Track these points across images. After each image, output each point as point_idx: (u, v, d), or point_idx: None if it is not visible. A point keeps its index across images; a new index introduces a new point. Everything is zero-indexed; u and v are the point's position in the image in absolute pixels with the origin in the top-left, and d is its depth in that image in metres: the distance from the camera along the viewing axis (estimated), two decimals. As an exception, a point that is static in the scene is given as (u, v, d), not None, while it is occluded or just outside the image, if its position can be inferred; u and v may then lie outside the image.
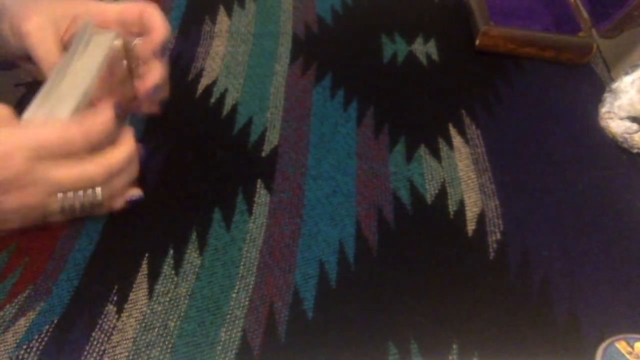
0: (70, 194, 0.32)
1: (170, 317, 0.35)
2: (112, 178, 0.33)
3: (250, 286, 0.37)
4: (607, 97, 0.48)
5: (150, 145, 0.45)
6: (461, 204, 0.42)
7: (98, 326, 0.35)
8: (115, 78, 0.37)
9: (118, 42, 0.36)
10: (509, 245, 0.39)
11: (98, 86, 0.34)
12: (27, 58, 0.36)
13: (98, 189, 0.33)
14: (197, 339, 0.34)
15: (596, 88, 0.52)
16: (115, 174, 0.33)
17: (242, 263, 0.38)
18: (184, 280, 0.37)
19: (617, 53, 0.61)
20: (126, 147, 0.34)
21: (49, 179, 0.31)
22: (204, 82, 0.51)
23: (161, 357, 0.33)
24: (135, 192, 0.37)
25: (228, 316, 0.35)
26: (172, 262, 0.38)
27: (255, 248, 0.39)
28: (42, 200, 0.31)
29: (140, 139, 0.46)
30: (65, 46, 0.36)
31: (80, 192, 0.33)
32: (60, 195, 0.32)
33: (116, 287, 0.36)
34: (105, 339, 0.34)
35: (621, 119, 0.47)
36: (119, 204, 0.37)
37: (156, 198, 0.42)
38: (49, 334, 0.34)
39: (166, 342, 0.34)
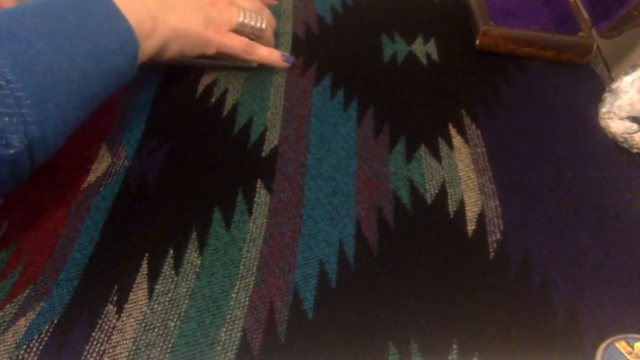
0: (247, 12, 0.49)
1: (170, 317, 0.35)
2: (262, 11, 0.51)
3: (250, 286, 0.37)
4: (607, 97, 0.48)
5: (151, 145, 0.45)
6: (461, 204, 0.42)
7: (98, 326, 0.35)
8: None
9: None
10: (509, 245, 0.39)
11: None
12: None
13: (262, 17, 0.50)
14: (197, 339, 0.34)
15: (596, 88, 0.52)
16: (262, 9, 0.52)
17: (242, 263, 0.38)
18: (184, 280, 0.37)
19: (617, 53, 0.61)
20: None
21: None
22: (204, 82, 0.51)
23: (161, 357, 0.33)
24: (289, 55, 0.52)
25: (228, 316, 0.35)
26: (172, 262, 0.38)
27: (255, 248, 0.39)
28: (228, 2, 0.48)
29: (140, 139, 0.46)
30: None
31: (253, 14, 0.49)
32: (240, 8, 0.49)
33: (116, 287, 0.36)
34: (105, 339, 0.34)
35: (621, 119, 0.47)
36: (275, 55, 0.51)
37: (156, 198, 0.42)
38: (49, 334, 0.34)
39: (166, 342, 0.34)
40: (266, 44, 0.51)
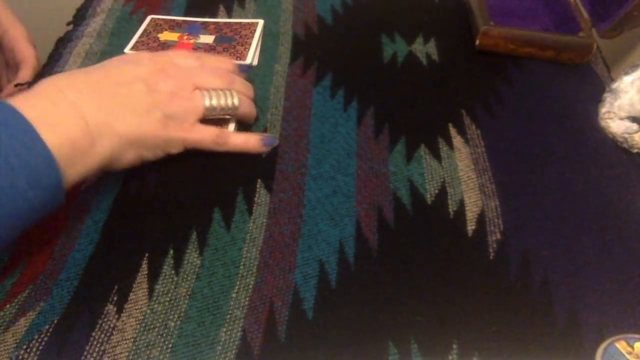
0: (214, 93, 0.42)
1: (170, 317, 0.35)
2: (233, 83, 0.44)
3: (250, 286, 0.37)
4: (607, 97, 0.48)
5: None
6: (461, 204, 0.42)
7: (98, 326, 0.35)
8: None
9: None
10: (509, 245, 0.39)
11: None
12: None
13: (232, 92, 0.43)
14: (197, 339, 0.34)
15: (596, 88, 0.52)
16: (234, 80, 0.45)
17: (242, 263, 0.38)
18: (184, 280, 0.37)
19: (617, 53, 0.61)
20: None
21: (197, 74, 0.42)
22: (204, 82, 0.51)
23: (161, 357, 0.33)
24: (269, 135, 0.46)
25: (228, 316, 0.35)
26: (172, 262, 0.38)
27: (255, 248, 0.39)
28: (191, 88, 0.41)
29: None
30: None
31: (221, 93, 0.42)
32: (205, 91, 0.42)
33: (116, 287, 0.36)
34: (105, 339, 0.34)
35: (621, 119, 0.47)
36: (252, 142, 0.44)
37: (156, 198, 0.42)
38: (49, 334, 0.34)
39: (166, 342, 0.34)
40: (245, 117, 0.46)
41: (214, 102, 0.42)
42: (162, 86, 0.39)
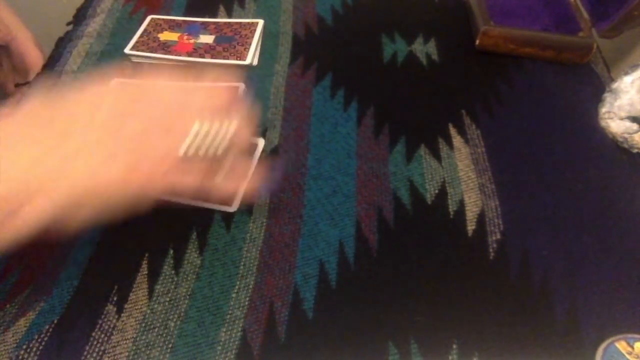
0: (206, 121, 0.32)
1: (170, 317, 0.35)
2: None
3: (250, 286, 0.37)
4: (607, 97, 0.48)
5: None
6: (461, 204, 0.42)
7: (98, 326, 0.35)
8: None
9: None
10: (509, 245, 0.39)
11: None
12: None
13: (231, 127, 0.33)
14: (197, 339, 0.34)
15: (596, 88, 0.52)
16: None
17: (242, 263, 0.38)
18: (184, 280, 0.37)
19: (617, 53, 0.61)
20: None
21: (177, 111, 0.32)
22: (204, 82, 0.51)
23: (161, 357, 0.33)
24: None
25: (228, 316, 0.35)
26: (172, 262, 0.38)
27: (255, 248, 0.39)
28: (166, 127, 0.31)
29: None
30: None
31: (215, 123, 0.32)
32: (197, 121, 0.31)
33: (116, 287, 0.36)
34: (105, 339, 0.34)
35: (621, 119, 0.47)
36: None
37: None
38: (49, 334, 0.34)
39: (166, 342, 0.34)
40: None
41: (192, 148, 0.31)
42: (129, 125, 0.30)
